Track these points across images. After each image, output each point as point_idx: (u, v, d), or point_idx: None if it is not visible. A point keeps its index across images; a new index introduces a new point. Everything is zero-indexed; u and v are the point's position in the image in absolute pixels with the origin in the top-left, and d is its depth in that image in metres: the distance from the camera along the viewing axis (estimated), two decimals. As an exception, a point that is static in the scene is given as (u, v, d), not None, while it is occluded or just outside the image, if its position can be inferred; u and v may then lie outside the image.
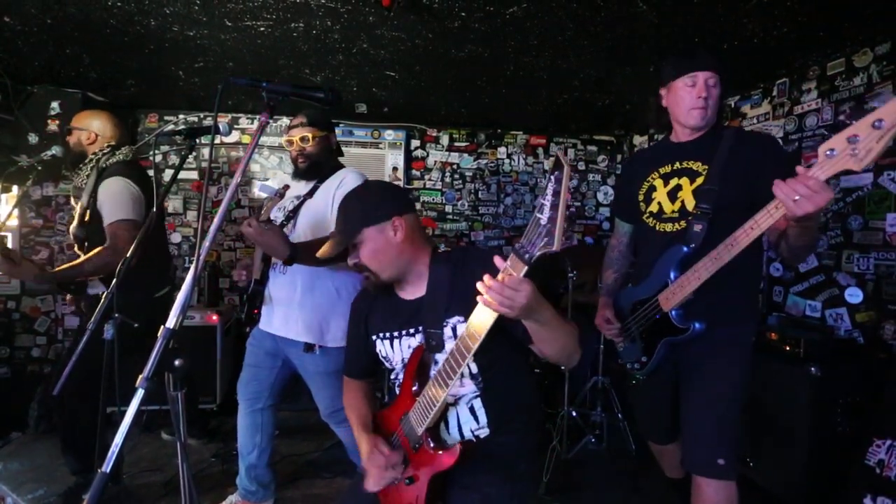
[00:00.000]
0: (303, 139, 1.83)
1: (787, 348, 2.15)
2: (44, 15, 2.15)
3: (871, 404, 2.00)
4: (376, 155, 3.84)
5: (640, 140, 4.09)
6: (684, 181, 1.54)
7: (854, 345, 2.29)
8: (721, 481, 1.45)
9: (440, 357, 1.17)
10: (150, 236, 1.52)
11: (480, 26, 2.18)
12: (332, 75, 2.84)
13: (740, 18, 2.04)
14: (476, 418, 1.19)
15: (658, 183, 1.61)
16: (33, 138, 2.91)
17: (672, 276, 1.48)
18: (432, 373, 1.14)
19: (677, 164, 1.57)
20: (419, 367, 1.18)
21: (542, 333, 1.01)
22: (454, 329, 1.16)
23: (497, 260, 0.93)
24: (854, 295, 2.32)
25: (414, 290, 1.24)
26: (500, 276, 0.90)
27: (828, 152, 1.05)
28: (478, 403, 1.18)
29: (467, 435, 1.19)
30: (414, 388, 1.17)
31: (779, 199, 1.14)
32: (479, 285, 0.92)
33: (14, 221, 3.41)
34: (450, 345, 1.14)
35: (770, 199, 1.28)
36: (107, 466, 0.77)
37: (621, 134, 4.18)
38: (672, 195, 1.56)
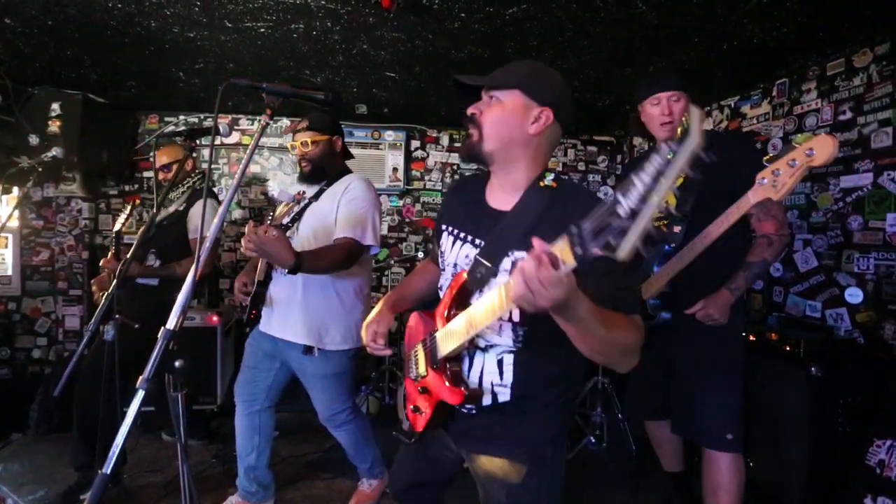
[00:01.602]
0: (304, 143, 1.84)
1: (788, 348, 2.15)
2: (44, 16, 2.15)
3: (872, 404, 2.00)
4: (376, 156, 3.84)
5: (639, 141, 4.09)
6: None
7: (854, 345, 2.28)
8: (732, 454, 1.70)
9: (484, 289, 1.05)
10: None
11: (480, 27, 2.18)
12: (333, 76, 2.84)
13: (740, 19, 2.04)
14: (501, 373, 1.08)
15: None
16: (34, 139, 2.91)
17: (655, 269, 1.70)
18: (472, 301, 1.04)
19: None
20: (461, 293, 1.07)
21: (572, 331, 0.84)
22: (514, 263, 1.00)
23: (536, 241, 0.71)
24: (854, 295, 2.32)
25: (502, 201, 1.09)
26: (535, 258, 0.69)
27: (760, 180, 1.31)
28: (508, 359, 1.07)
29: (486, 386, 1.08)
30: (450, 311, 1.07)
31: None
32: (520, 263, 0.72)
33: (15, 223, 3.42)
34: (503, 278, 1.00)
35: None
36: (107, 468, 0.77)
37: (621, 134, 4.18)
38: None
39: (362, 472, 2.17)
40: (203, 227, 1.03)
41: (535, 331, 1.04)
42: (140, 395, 0.79)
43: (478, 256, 1.05)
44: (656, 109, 1.73)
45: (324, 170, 1.88)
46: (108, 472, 0.75)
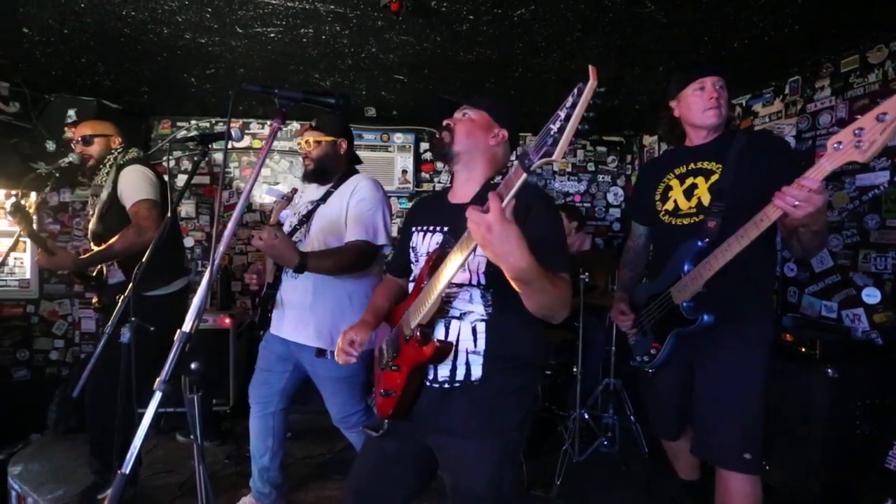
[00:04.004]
0: (307, 143, 1.88)
1: (803, 349, 2.12)
2: (61, 25, 2.20)
3: (890, 406, 1.96)
4: (386, 158, 3.86)
5: (649, 140, 4.06)
6: (699, 180, 1.61)
7: (872, 346, 2.24)
8: (748, 475, 1.50)
9: None
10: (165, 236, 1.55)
11: (488, 29, 2.18)
12: (342, 80, 2.86)
13: (750, 16, 2.02)
14: (475, 340, 1.20)
15: (674, 183, 1.67)
16: (51, 146, 2.98)
17: (686, 268, 1.53)
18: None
19: (692, 165, 1.64)
20: (435, 265, 1.19)
21: (523, 289, 0.97)
22: None
23: (492, 199, 0.86)
24: (871, 295, 2.28)
25: (463, 196, 1.31)
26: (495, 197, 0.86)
27: (835, 145, 1.11)
28: (481, 327, 1.21)
29: (461, 354, 1.20)
30: (423, 284, 1.20)
31: (780, 209, 1.23)
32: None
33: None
34: None
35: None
36: (126, 468, 0.78)
37: (631, 134, 4.15)
38: (688, 193, 1.63)
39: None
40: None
41: (502, 296, 1.16)
42: (157, 396, 0.81)
43: (447, 235, 1.24)
44: (700, 96, 1.57)
45: (325, 170, 1.89)
46: (127, 472, 0.77)
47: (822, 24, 2.09)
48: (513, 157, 1.17)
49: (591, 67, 0.76)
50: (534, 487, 2.38)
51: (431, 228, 1.32)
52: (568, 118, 0.77)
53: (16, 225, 1.94)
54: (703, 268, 1.47)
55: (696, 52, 2.36)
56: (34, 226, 2.01)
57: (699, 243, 1.51)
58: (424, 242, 1.32)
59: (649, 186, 1.75)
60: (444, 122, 1.32)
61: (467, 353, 1.20)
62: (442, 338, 1.21)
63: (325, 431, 2.85)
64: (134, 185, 2.08)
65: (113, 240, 1.99)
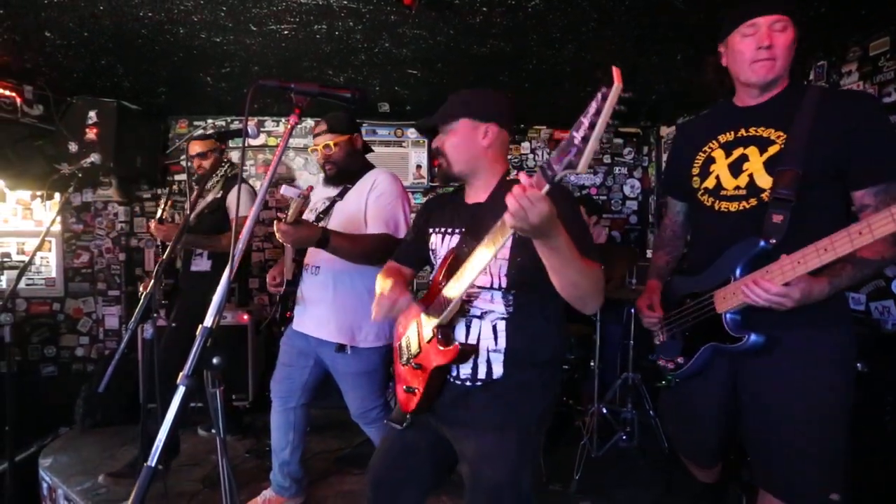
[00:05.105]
0: (326, 147, 1.86)
1: (830, 343, 2.06)
2: (81, 28, 2.24)
3: (923, 401, 1.90)
4: (400, 153, 3.86)
5: (666, 131, 3.98)
6: (752, 151, 1.26)
7: (903, 339, 2.17)
8: None
9: None
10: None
11: (502, 21, 2.16)
12: (355, 75, 2.86)
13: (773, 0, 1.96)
14: (496, 338, 1.20)
15: (718, 154, 1.32)
16: (73, 147, 3.04)
17: (738, 272, 1.22)
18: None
19: (742, 132, 1.29)
20: (452, 266, 1.19)
21: (553, 262, 0.97)
22: None
23: (522, 176, 0.88)
24: (902, 286, 2.20)
25: (478, 197, 1.29)
26: (521, 186, 0.87)
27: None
28: (501, 325, 1.20)
29: (482, 352, 1.20)
30: (441, 284, 1.21)
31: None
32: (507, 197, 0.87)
33: (57, 227, 3.57)
34: None
35: (870, 180, 1.14)
36: (152, 461, 0.80)
37: (647, 125, 4.08)
38: (735, 168, 1.28)
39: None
40: (239, 209, 1.08)
41: (524, 296, 1.19)
42: (181, 390, 0.82)
43: (463, 236, 1.23)
44: (750, 42, 1.21)
45: (348, 169, 1.89)
46: (154, 465, 0.78)
47: (848, 4, 2.01)
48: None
49: (614, 69, 0.73)
50: (552, 482, 2.37)
51: (450, 230, 1.32)
52: (592, 126, 0.75)
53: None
54: (763, 276, 1.16)
55: (715, 40, 2.30)
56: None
57: (762, 243, 1.17)
58: (444, 244, 1.32)
59: (686, 156, 1.40)
60: (434, 146, 1.31)
61: (488, 351, 1.20)
62: (462, 336, 1.21)
63: (343, 426, 2.88)
64: (242, 201, 2.33)
65: (215, 236, 2.37)
